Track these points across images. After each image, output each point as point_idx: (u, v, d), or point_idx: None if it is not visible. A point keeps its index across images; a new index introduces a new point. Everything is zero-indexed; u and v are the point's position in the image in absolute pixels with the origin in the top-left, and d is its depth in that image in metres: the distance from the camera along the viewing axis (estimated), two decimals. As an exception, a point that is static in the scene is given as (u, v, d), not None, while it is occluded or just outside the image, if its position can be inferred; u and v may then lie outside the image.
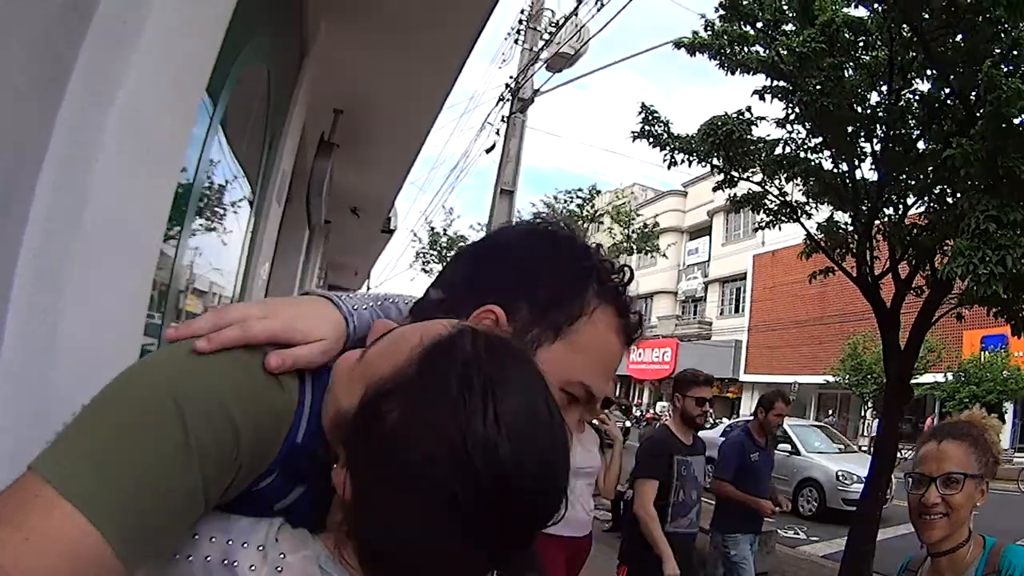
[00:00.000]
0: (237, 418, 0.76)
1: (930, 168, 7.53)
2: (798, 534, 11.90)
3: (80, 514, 0.66)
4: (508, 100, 12.75)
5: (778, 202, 9.99)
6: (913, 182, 8.19)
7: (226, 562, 0.75)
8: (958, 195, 7.00)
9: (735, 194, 10.34)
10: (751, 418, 6.12)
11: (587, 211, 26.62)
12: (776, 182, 9.84)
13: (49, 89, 1.28)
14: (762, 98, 8.60)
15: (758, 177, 9.91)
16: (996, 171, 5.85)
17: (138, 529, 0.69)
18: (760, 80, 8.69)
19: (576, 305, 0.92)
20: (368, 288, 23.11)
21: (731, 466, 5.62)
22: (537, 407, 0.72)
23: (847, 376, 27.73)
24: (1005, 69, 6.20)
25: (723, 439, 7.29)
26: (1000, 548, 1.77)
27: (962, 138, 5.78)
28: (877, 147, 8.28)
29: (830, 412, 27.29)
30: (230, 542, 0.76)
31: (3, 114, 1.29)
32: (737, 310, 40.70)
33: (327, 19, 4.54)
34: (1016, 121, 5.94)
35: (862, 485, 9.52)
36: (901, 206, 8.56)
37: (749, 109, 8.75)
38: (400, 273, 71.69)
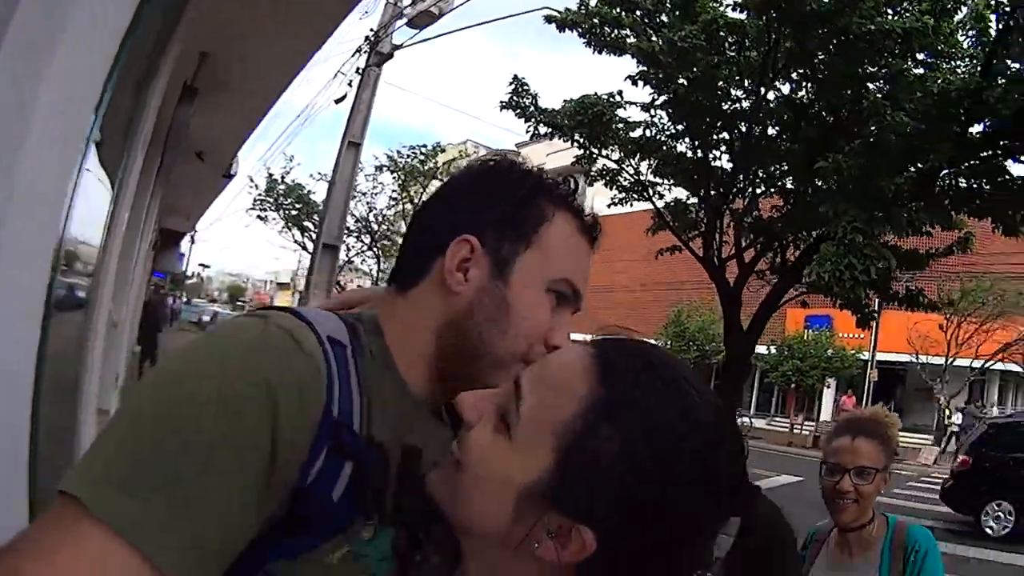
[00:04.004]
0: (274, 395, 0.73)
1: (784, 164, 8.09)
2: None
3: (122, 540, 0.63)
4: (365, 52, 12.24)
5: (632, 180, 10.37)
6: (763, 175, 8.76)
7: None
8: (809, 190, 7.62)
9: (591, 169, 10.63)
10: None
11: (429, 166, 26.57)
12: (632, 161, 10.19)
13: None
14: (635, 83, 8.89)
15: (616, 155, 10.22)
16: (866, 187, 6.37)
17: (188, 552, 0.66)
18: (627, 62, 8.94)
19: (534, 213, 0.95)
20: (195, 231, 23.66)
21: None
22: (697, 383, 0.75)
23: (669, 342, 29.23)
24: (880, 95, 6.92)
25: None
26: (903, 527, 2.09)
27: (825, 146, 6.28)
28: (736, 140, 8.81)
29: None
30: None
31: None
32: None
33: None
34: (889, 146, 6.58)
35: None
36: (750, 194, 9.16)
37: (620, 93, 9.05)
38: (233, 215, 67.66)
